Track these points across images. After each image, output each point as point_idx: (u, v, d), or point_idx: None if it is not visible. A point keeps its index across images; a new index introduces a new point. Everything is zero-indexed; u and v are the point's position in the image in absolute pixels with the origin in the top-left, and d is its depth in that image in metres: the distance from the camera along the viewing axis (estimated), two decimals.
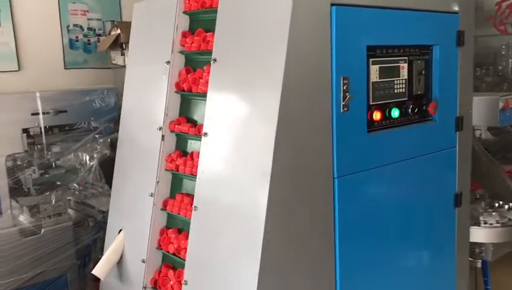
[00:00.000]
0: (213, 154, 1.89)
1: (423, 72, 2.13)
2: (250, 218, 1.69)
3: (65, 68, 4.48)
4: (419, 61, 2.12)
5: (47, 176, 2.85)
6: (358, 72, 1.85)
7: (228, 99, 1.86)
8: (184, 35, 2.13)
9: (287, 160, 1.69)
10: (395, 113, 2.02)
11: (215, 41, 1.92)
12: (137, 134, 2.30)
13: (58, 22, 4.54)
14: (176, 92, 2.14)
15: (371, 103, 1.94)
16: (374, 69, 1.92)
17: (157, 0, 2.29)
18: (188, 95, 2.12)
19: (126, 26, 3.91)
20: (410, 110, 2.09)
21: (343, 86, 1.78)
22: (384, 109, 2.00)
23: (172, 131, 2.13)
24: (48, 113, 2.80)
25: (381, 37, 1.92)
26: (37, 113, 2.77)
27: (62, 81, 4.59)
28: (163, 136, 2.14)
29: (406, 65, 2.06)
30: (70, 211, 2.97)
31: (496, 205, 2.83)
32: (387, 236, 2.04)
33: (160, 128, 2.13)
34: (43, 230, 2.78)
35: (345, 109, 1.80)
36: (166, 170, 2.13)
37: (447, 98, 2.25)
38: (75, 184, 3.02)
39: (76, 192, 2.91)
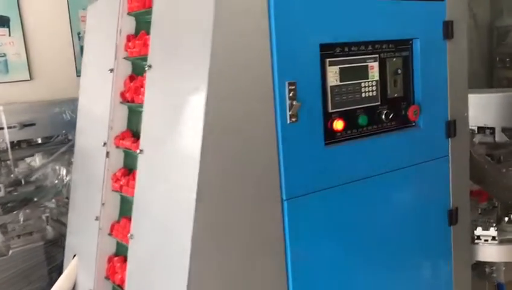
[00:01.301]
0: (148, 174, 1.66)
1: (399, 71, 1.83)
2: (178, 247, 1.44)
3: (77, 76, 4.42)
4: (394, 59, 1.82)
5: (15, 193, 2.69)
6: (310, 76, 1.56)
7: (161, 111, 1.62)
8: (129, 39, 1.91)
9: (219, 180, 1.44)
10: (363, 120, 1.73)
11: (150, 45, 1.70)
12: (86, 151, 2.11)
13: (68, 29, 4.47)
14: (121, 102, 1.92)
15: (330, 111, 1.65)
16: (333, 71, 1.64)
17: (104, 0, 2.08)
18: (133, 106, 1.89)
19: None
20: (384, 116, 1.79)
21: (288, 93, 1.50)
22: (349, 116, 1.71)
23: (117, 147, 1.92)
24: (13, 127, 2.64)
25: (340, 33, 1.63)
26: (2, 128, 2.62)
27: (75, 90, 4.49)
28: (108, 152, 1.92)
29: (376, 64, 1.76)
30: (49, 228, 2.83)
31: (507, 218, 2.47)
32: (358, 263, 1.75)
33: (105, 144, 1.92)
34: (11, 251, 2.63)
35: (293, 119, 1.52)
36: (112, 190, 1.92)
37: (433, 100, 1.93)
38: (53, 200, 2.87)
39: (48, 209, 2.73)
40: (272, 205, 1.53)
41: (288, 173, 1.53)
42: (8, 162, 2.67)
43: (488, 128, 2.80)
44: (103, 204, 1.92)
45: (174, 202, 1.49)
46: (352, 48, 1.69)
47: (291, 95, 1.51)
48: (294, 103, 1.51)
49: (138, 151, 1.69)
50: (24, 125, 2.64)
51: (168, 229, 1.51)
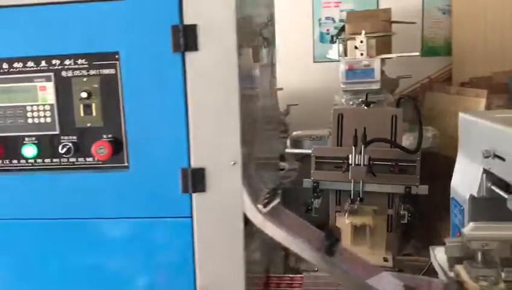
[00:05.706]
0: None
1: (83, 94, 1.39)
2: None
3: (314, 62, 4.81)
4: (84, 79, 1.40)
5: None
6: None
7: None
8: None
9: None
10: (29, 151, 1.45)
11: None
12: None
13: (311, 15, 4.86)
14: None
15: None
16: None
17: None
18: None
19: (354, 16, 3.97)
20: (60, 149, 1.43)
21: None
22: (10, 144, 1.46)
23: None
24: None
25: None
26: None
27: (310, 76, 5.01)
28: None
29: (50, 84, 1.41)
30: None
31: None
32: None
33: None
34: None
35: None
36: None
37: (155, 136, 1.39)
38: None
39: None
40: None
41: None
42: None
43: None
44: None
45: None
46: (15, 64, 1.43)
47: None
48: None
49: None
50: None
51: None
